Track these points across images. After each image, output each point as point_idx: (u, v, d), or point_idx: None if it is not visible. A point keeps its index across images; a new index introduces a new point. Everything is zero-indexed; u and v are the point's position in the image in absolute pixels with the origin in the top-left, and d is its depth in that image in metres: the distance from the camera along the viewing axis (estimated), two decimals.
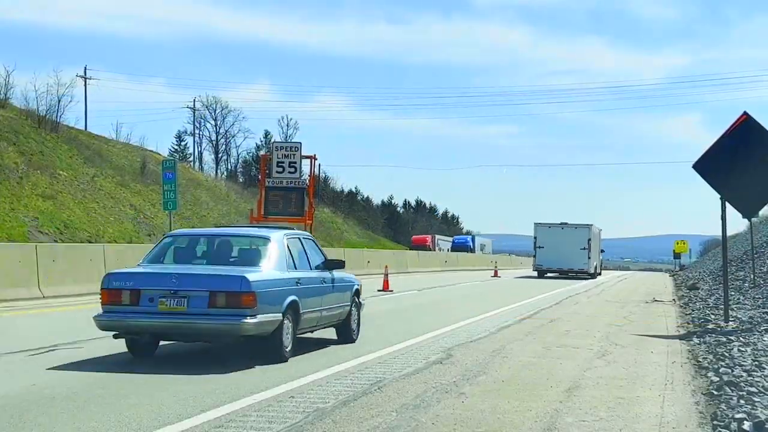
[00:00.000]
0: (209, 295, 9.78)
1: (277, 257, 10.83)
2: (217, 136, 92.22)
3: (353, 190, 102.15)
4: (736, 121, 14.88)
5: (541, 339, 13.39)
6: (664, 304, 22.96)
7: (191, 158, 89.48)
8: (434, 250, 73.69)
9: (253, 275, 9.99)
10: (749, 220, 22.40)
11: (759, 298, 19.57)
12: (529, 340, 13.26)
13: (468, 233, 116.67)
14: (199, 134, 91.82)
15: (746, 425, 6.89)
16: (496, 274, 45.09)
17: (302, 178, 25.35)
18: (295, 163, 24.99)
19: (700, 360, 10.96)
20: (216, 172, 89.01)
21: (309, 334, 11.95)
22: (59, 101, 52.53)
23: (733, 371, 9.61)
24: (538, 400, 8.14)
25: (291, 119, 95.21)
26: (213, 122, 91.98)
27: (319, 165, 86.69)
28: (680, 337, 14.09)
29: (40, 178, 41.85)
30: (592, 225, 46.32)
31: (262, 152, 76.76)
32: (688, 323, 16.64)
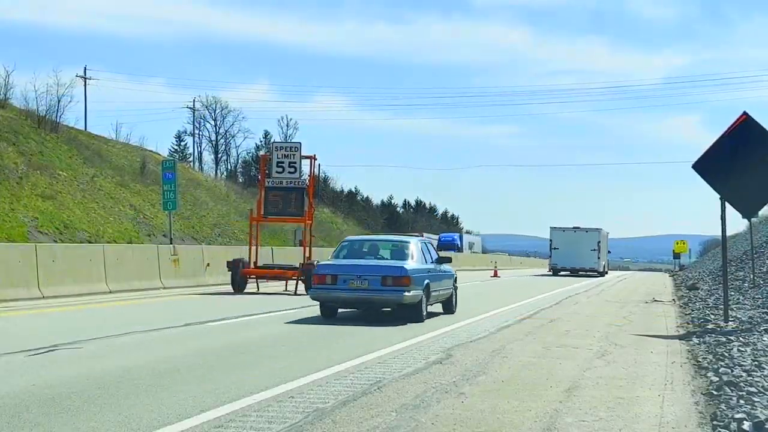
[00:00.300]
0: (381, 278, 15.40)
1: (417, 254, 16.54)
2: (216, 136, 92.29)
3: (353, 190, 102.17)
4: (735, 121, 14.88)
5: (541, 339, 13.39)
6: (664, 304, 22.96)
7: (191, 158, 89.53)
8: None
9: (407, 265, 15.73)
10: (749, 220, 22.40)
11: (759, 298, 19.57)
12: (528, 340, 13.26)
13: (468, 232, 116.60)
14: (199, 134, 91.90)
15: (746, 425, 6.89)
16: (495, 274, 45.13)
17: (302, 179, 25.32)
18: (294, 163, 24.96)
19: (700, 360, 10.96)
20: (216, 172, 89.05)
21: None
22: (59, 101, 52.56)
23: (732, 371, 9.61)
24: (538, 400, 8.15)
25: (291, 119, 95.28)
26: (213, 122, 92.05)
27: (319, 165, 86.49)
28: (680, 337, 14.10)
29: (39, 179, 41.85)
30: (601, 229, 51.82)
31: (261, 152, 76.76)
32: (688, 323, 16.64)
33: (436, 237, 79.22)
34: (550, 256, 51.24)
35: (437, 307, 17.80)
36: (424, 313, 15.91)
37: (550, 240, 51.09)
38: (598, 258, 50.21)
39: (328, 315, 16.23)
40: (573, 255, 49.53)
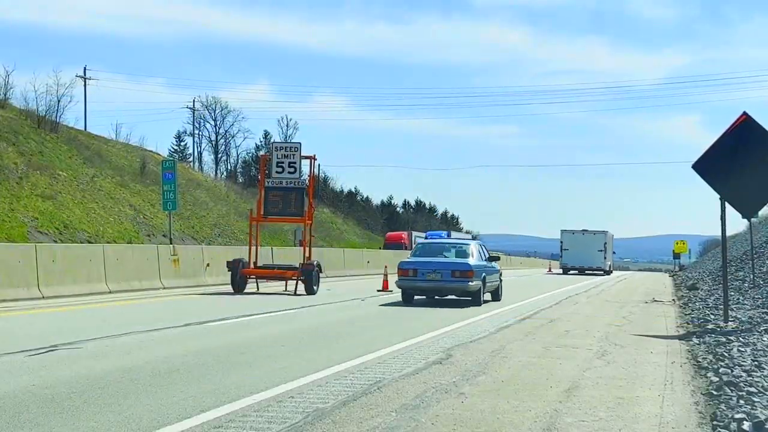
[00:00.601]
0: (452, 272, 20.28)
1: (476, 254, 21.63)
2: (216, 137, 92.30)
3: (353, 190, 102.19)
4: (735, 122, 14.88)
5: (541, 339, 13.39)
6: (664, 305, 22.96)
7: (191, 158, 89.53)
8: (410, 248, 68.35)
9: (470, 262, 20.76)
10: (749, 221, 22.41)
11: (758, 298, 19.57)
12: (528, 340, 13.26)
13: (468, 232, 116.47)
14: (199, 134, 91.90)
15: (746, 425, 6.89)
16: None
17: (302, 179, 25.31)
18: (294, 163, 24.94)
19: (700, 360, 10.96)
20: (215, 172, 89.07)
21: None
22: (59, 101, 52.58)
23: (732, 371, 9.61)
24: (538, 400, 8.15)
25: (290, 119, 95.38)
26: (212, 122, 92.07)
27: (319, 165, 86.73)
28: (680, 338, 14.10)
29: (39, 179, 41.85)
30: (607, 231, 57.06)
31: (261, 152, 76.78)
32: (688, 323, 16.64)
33: (424, 235, 77.48)
34: (561, 257, 56.01)
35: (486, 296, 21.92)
36: (482, 299, 20.89)
37: (561, 241, 55.78)
38: (605, 258, 55.27)
39: (408, 300, 20.95)
40: (582, 255, 54.41)
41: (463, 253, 21.52)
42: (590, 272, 54.07)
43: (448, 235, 77.44)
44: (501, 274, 23.54)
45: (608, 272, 55.93)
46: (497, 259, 23.73)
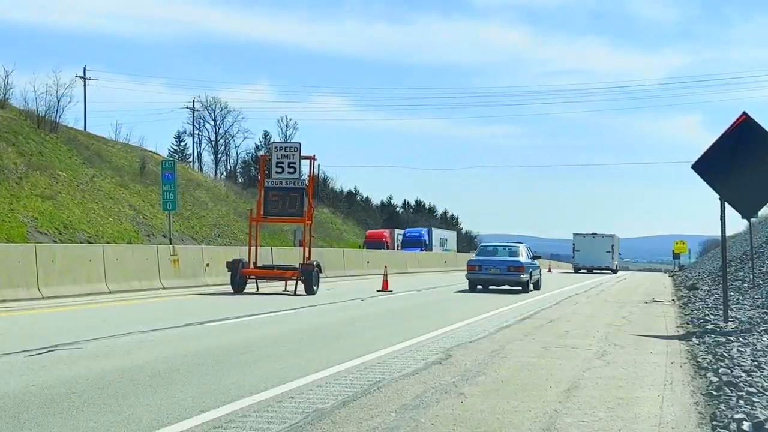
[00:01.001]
0: (507, 267, 26.75)
1: (524, 253, 28.36)
2: (216, 137, 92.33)
3: (352, 190, 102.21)
4: (735, 122, 14.89)
5: (541, 339, 13.39)
6: (664, 305, 22.97)
7: (190, 159, 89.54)
8: (393, 248, 63.16)
9: (521, 260, 27.44)
10: (748, 221, 22.41)
11: (758, 298, 19.58)
12: (528, 340, 13.27)
13: (468, 232, 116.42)
14: (199, 134, 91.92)
15: (745, 425, 6.90)
16: None
17: (302, 179, 25.31)
18: (294, 163, 24.93)
19: (700, 360, 10.96)
20: (215, 172, 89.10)
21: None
22: (58, 101, 52.61)
23: (732, 372, 9.61)
24: (538, 400, 8.15)
25: (290, 119, 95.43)
26: (212, 122, 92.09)
27: (319, 165, 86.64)
28: (679, 338, 14.10)
29: (39, 179, 41.86)
30: (614, 234, 63.52)
31: (261, 153, 76.71)
32: (688, 323, 16.64)
33: (403, 233, 70.60)
34: (573, 257, 62.92)
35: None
36: (530, 289, 27.63)
37: (573, 243, 62.58)
38: (612, 258, 61.90)
39: (473, 288, 27.43)
40: (592, 256, 60.83)
41: (515, 253, 28.38)
42: (598, 271, 59.41)
43: (429, 233, 71.50)
44: (540, 270, 30.59)
45: (615, 271, 61.10)
46: (539, 257, 30.99)
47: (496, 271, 26.96)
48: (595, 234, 62.75)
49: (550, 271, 62.65)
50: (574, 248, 62.58)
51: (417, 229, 74.07)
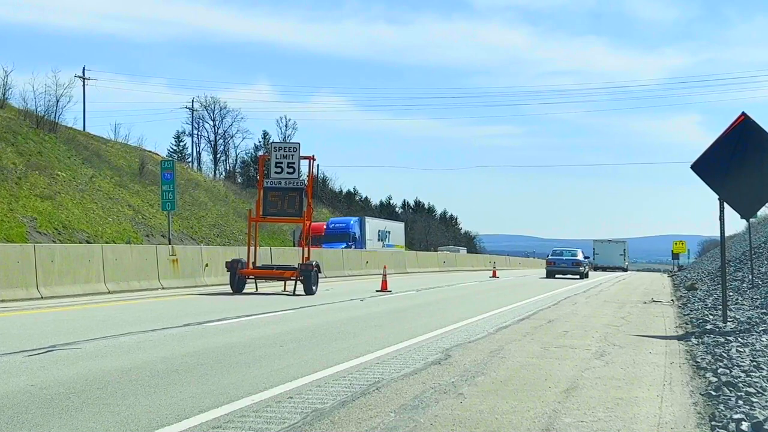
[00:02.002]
0: (572, 263, 45.09)
1: (581, 254, 46.43)
2: (215, 137, 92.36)
3: (352, 190, 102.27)
4: (734, 122, 14.89)
5: (540, 339, 13.39)
6: (663, 305, 22.97)
7: (190, 159, 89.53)
8: (359, 243, 54.36)
9: (579, 258, 45.87)
10: (747, 221, 22.42)
11: (757, 298, 19.59)
12: (527, 340, 13.27)
13: (467, 232, 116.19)
14: (198, 135, 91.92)
15: (744, 426, 6.90)
16: (494, 275, 45.14)
17: (301, 179, 25.30)
18: (293, 163, 24.92)
19: (699, 360, 10.97)
20: (214, 172, 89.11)
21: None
22: (57, 102, 52.63)
23: (731, 372, 9.62)
24: (537, 400, 8.15)
25: (289, 120, 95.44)
26: (211, 123, 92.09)
27: (318, 165, 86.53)
28: (678, 338, 14.10)
29: (38, 179, 41.85)
30: (626, 240, 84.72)
31: (260, 153, 76.63)
32: (687, 324, 16.65)
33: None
34: (593, 259, 74.97)
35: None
36: (587, 278, 41.02)
37: (593, 248, 79.61)
38: (624, 260, 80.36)
39: (552, 276, 43.05)
40: (608, 258, 78.80)
41: (575, 254, 45.61)
42: (611, 270, 73.73)
43: (360, 223, 56.88)
44: (587, 264, 46.94)
45: (625, 269, 76.94)
46: (588, 257, 42.02)
47: (565, 265, 44.68)
48: (610, 240, 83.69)
49: None
50: (594, 251, 77.94)
51: (344, 219, 60.04)
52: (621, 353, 11.90)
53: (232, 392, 8.17)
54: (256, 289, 24.68)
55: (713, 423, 7.22)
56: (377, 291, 25.55)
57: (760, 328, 13.79)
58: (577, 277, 44.02)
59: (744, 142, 14.66)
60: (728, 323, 15.04)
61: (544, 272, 49.85)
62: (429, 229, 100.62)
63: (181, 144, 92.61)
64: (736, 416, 7.21)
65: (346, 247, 47.20)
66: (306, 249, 25.48)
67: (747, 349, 11.37)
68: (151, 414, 7.19)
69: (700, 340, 13.00)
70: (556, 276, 44.12)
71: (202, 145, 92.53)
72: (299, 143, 26.01)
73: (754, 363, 10.14)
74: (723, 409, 7.69)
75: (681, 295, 26.94)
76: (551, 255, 46.17)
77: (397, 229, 65.17)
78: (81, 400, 7.72)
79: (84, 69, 72.72)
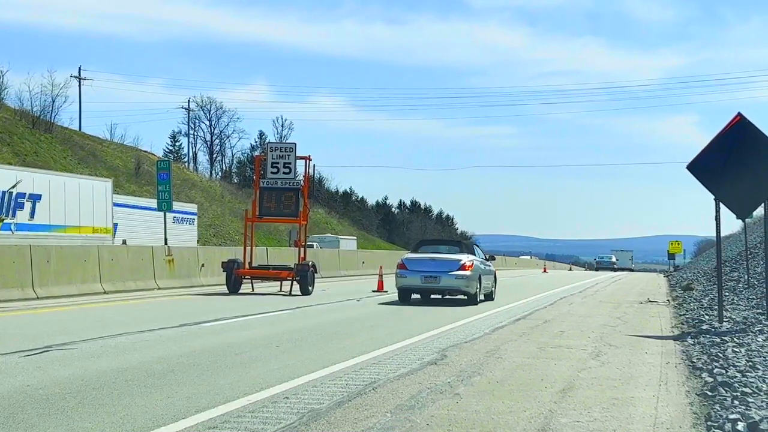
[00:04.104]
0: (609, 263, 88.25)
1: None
2: (211, 137, 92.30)
3: (348, 190, 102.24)
4: (730, 122, 14.90)
5: (536, 339, 13.40)
6: (658, 305, 22.99)
7: (186, 159, 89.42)
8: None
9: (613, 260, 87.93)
10: (743, 221, 22.43)
11: (753, 298, 19.62)
12: (523, 340, 13.27)
13: (464, 232, 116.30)
14: (194, 135, 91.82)
15: (740, 426, 6.90)
16: None
17: (297, 179, 25.30)
18: (289, 163, 24.91)
19: (695, 361, 10.98)
20: (210, 172, 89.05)
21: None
22: (53, 102, 52.68)
23: (727, 372, 9.63)
24: (533, 400, 8.15)
25: (286, 120, 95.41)
26: (207, 123, 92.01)
27: (314, 166, 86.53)
28: (674, 338, 14.12)
29: None
30: (632, 250, 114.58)
31: (256, 153, 76.61)
32: (683, 324, 16.66)
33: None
34: (614, 263, 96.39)
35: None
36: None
37: (612, 254, 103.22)
38: (632, 263, 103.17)
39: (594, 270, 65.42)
40: (623, 262, 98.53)
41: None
42: (620, 270, 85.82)
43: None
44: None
45: (632, 270, 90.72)
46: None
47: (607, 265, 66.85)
48: (623, 250, 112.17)
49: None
50: (613, 257, 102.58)
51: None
52: (617, 353, 11.91)
53: (228, 392, 8.16)
54: (253, 290, 24.67)
55: (709, 423, 7.23)
56: (373, 291, 25.55)
57: (756, 328, 13.80)
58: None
59: (740, 142, 14.68)
60: (724, 323, 15.05)
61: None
62: (425, 230, 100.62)
63: (177, 144, 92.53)
64: (732, 416, 7.22)
65: None
66: (302, 249, 25.49)
67: (743, 349, 11.38)
68: (147, 414, 7.18)
69: (696, 341, 13.02)
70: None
71: (198, 145, 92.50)
72: (295, 143, 26.00)
73: (750, 363, 10.15)
74: (719, 409, 7.70)
75: (677, 296, 26.96)
76: (596, 260, 71.60)
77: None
78: (77, 400, 7.72)
79: (80, 69, 72.62)
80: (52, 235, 31.90)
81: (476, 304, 20.59)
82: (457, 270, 20.59)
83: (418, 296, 21.88)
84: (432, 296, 21.96)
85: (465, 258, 21.06)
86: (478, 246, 24.06)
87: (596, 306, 22.18)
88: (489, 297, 22.59)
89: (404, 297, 21.36)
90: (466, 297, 20.88)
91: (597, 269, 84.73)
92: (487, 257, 23.61)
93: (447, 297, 21.75)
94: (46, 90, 52.27)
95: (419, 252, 22.20)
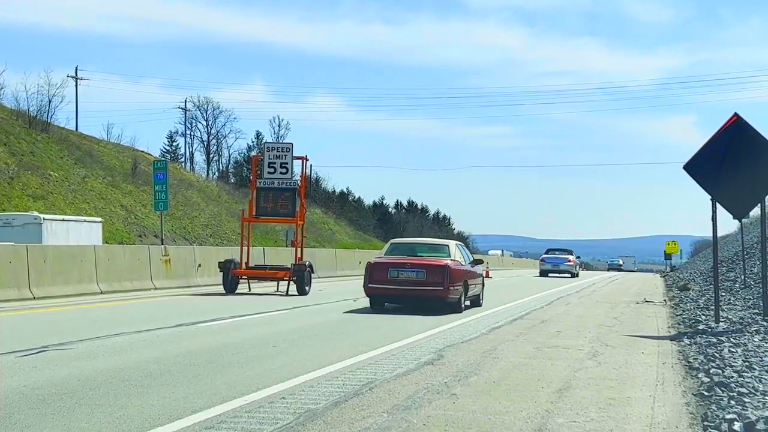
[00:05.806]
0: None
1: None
2: (208, 137, 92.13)
3: (345, 190, 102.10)
4: (726, 122, 14.91)
5: (532, 340, 13.40)
6: (655, 305, 23.00)
7: (182, 159, 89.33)
8: None
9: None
10: (740, 221, 22.44)
11: (750, 298, 19.63)
12: (520, 340, 13.28)
13: (461, 232, 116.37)
14: (191, 135, 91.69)
15: (736, 426, 6.91)
16: (487, 275, 45.15)
17: (294, 179, 25.29)
18: (286, 163, 24.91)
19: (691, 361, 10.99)
20: (207, 172, 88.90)
21: None
22: (50, 101, 52.59)
23: (723, 372, 9.63)
24: (529, 400, 8.16)
25: (282, 120, 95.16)
26: (204, 123, 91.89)
27: (311, 166, 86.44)
28: (671, 338, 14.13)
29: (30, 179, 41.75)
30: (634, 255, 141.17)
31: (253, 153, 76.61)
32: (679, 324, 16.67)
33: None
34: (620, 264, 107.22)
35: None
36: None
37: (619, 258, 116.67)
38: (635, 265, 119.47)
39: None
40: (628, 265, 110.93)
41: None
42: (625, 270, 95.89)
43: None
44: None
45: (634, 270, 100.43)
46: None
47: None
48: (627, 256, 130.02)
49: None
50: (619, 260, 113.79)
51: None
52: (614, 353, 11.92)
53: (225, 393, 8.16)
54: (249, 290, 24.66)
55: (705, 423, 7.23)
56: None
57: (753, 329, 13.81)
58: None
59: (736, 142, 14.69)
60: (720, 323, 15.06)
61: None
62: (422, 230, 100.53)
63: (174, 144, 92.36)
64: (728, 416, 7.22)
65: None
66: (299, 249, 25.47)
67: (739, 350, 11.39)
68: (143, 414, 7.18)
69: (692, 341, 13.03)
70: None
71: (194, 145, 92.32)
72: (292, 143, 26.00)
73: (747, 363, 10.16)
74: (715, 409, 7.71)
75: (673, 296, 26.98)
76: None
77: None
78: (73, 400, 7.71)
79: (76, 69, 72.55)
80: None
81: (461, 311, 18.29)
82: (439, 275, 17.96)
83: None
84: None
85: (448, 261, 18.51)
86: (463, 247, 21.28)
87: (593, 306, 22.19)
88: (476, 303, 20.37)
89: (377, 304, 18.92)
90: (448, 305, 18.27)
91: (609, 270, 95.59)
92: (475, 259, 21.12)
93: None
94: (43, 90, 52.25)
95: (393, 254, 19.44)
